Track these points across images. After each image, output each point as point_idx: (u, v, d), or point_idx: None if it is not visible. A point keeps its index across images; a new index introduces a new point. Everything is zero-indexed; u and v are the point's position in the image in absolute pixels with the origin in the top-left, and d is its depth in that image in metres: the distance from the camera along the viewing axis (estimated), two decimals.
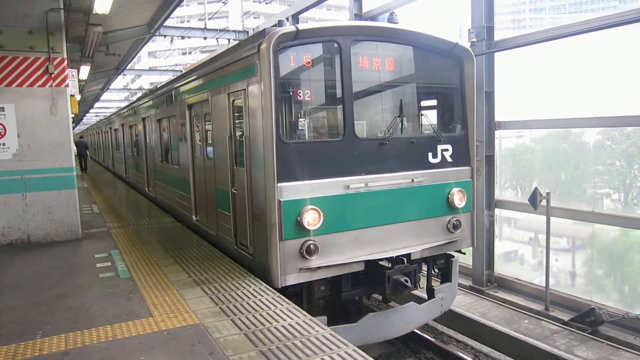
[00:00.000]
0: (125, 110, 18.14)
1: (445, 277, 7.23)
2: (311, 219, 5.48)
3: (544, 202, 8.78)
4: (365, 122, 6.51)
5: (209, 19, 16.65)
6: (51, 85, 8.10)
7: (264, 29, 5.59)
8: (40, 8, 7.91)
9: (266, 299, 5.11)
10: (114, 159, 22.27)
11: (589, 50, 9.12)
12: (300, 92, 5.81)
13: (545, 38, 8.71)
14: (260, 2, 15.76)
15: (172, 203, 10.58)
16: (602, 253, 9.80)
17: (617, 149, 10.26)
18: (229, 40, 16.61)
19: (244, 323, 4.49)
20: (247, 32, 16.47)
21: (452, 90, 6.96)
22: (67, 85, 8.28)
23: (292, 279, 5.57)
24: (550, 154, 11.06)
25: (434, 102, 7.21)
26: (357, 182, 5.86)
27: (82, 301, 5.27)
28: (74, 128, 20.76)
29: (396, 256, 6.27)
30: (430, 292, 7.05)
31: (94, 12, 7.91)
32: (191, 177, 8.74)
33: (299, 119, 5.94)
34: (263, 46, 5.36)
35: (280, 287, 5.48)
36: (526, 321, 8.43)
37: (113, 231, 8.99)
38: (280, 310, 4.80)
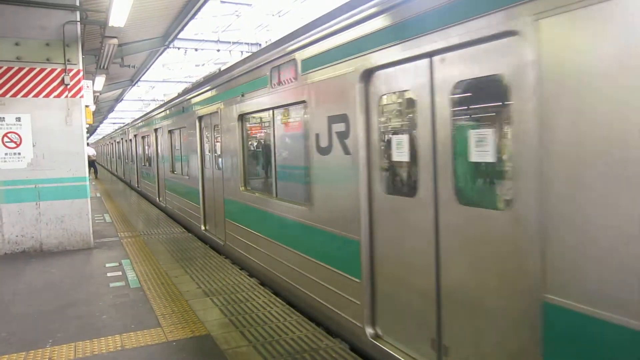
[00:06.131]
0: (159, 114, 14.16)
1: None
2: None
3: None
4: None
5: (222, 31, 16.95)
6: (67, 96, 8.24)
7: None
8: (57, 21, 8.08)
9: (275, 311, 5.08)
10: (140, 175, 18.57)
11: None
12: None
13: None
14: (272, 16, 15.99)
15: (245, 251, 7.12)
16: None
17: None
18: (241, 52, 16.85)
19: (252, 335, 4.47)
20: (260, 44, 16.66)
21: None
22: (82, 96, 8.41)
23: None
24: None
25: None
26: None
27: (92, 310, 5.29)
28: (88, 138, 20.61)
29: None
30: None
31: (109, 25, 8.04)
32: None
33: None
34: None
35: None
36: None
37: (124, 241, 9.05)
38: (290, 322, 4.77)
